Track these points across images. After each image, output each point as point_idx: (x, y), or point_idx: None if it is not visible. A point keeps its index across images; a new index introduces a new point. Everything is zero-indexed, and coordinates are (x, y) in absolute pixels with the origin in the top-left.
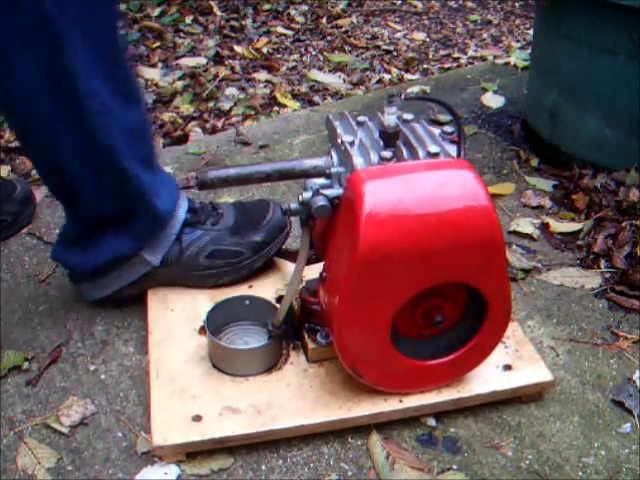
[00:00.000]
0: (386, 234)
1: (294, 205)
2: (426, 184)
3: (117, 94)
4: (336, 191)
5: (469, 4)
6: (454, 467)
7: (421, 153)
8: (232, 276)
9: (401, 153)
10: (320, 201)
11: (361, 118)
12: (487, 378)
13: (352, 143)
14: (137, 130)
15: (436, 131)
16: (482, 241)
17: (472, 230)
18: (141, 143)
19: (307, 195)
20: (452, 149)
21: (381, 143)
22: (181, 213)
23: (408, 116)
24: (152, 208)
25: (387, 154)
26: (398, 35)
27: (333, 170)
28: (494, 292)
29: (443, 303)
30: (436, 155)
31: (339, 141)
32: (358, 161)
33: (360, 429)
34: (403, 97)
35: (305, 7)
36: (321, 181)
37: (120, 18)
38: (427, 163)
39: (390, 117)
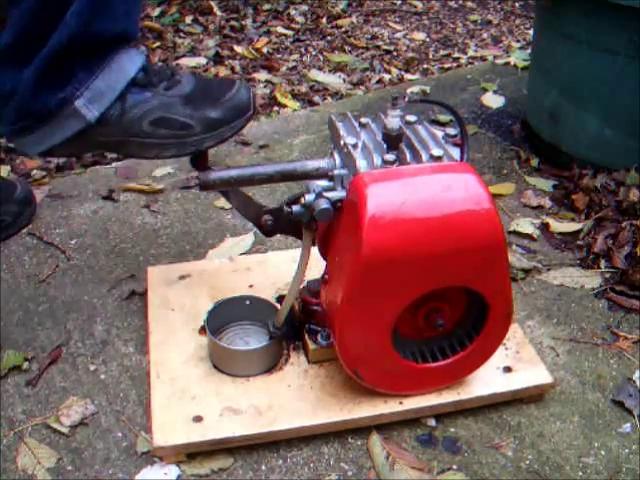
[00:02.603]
0: (389, 237)
1: (296, 208)
2: (429, 187)
3: None
4: (339, 194)
5: (469, 4)
6: (454, 467)
7: (424, 156)
8: (175, 150)
9: (404, 156)
10: (323, 204)
11: (364, 120)
12: (487, 380)
13: (355, 145)
14: None
15: (439, 134)
16: (485, 245)
17: (475, 234)
18: None
19: (310, 198)
20: (455, 152)
21: (384, 146)
22: (132, 69)
23: (411, 118)
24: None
25: (390, 157)
26: (398, 35)
27: (336, 172)
28: (496, 295)
29: (445, 306)
30: (439, 158)
31: (342, 143)
32: (361, 164)
33: (360, 429)
34: (407, 99)
35: (305, 7)
36: (324, 183)
37: None
38: (430, 166)
39: (393, 119)
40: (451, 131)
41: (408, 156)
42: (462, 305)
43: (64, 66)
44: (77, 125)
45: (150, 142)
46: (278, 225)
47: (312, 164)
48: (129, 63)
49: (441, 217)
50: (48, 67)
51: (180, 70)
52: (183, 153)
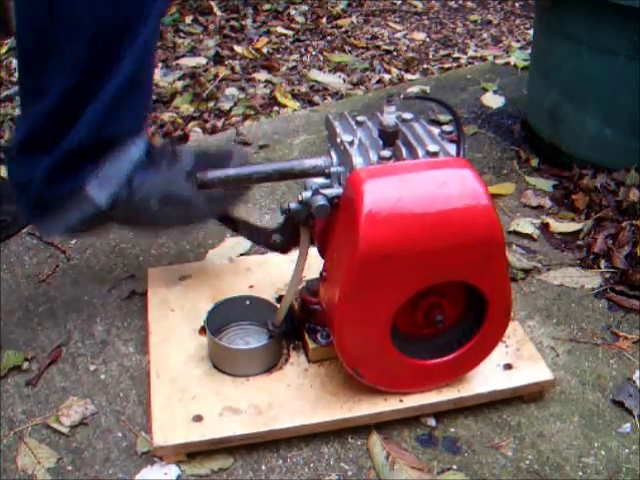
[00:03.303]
0: (386, 233)
1: (294, 205)
2: (425, 183)
3: None
4: (335, 190)
5: (469, 4)
6: (454, 467)
7: (420, 152)
8: (183, 224)
9: (400, 152)
10: (320, 200)
11: (360, 118)
12: (487, 377)
13: (351, 143)
14: None
15: (435, 130)
16: (482, 239)
17: (472, 228)
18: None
19: (307, 195)
20: (451, 148)
21: (380, 143)
22: (135, 153)
23: (407, 116)
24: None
25: (386, 153)
26: (398, 35)
27: (332, 170)
28: (494, 291)
29: (443, 302)
30: (435, 154)
31: (338, 141)
32: (357, 160)
33: (360, 429)
34: (402, 97)
35: (305, 7)
36: (320, 181)
37: None
38: (426, 162)
39: (389, 117)
40: (447, 128)
41: (404, 152)
42: (461, 302)
43: (75, 163)
44: (89, 209)
45: (159, 218)
46: (286, 239)
47: (309, 162)
48: (133, 148)
49: (438, 212)
50: (60, 165)
51: (179, 146)
52: (189, 226)
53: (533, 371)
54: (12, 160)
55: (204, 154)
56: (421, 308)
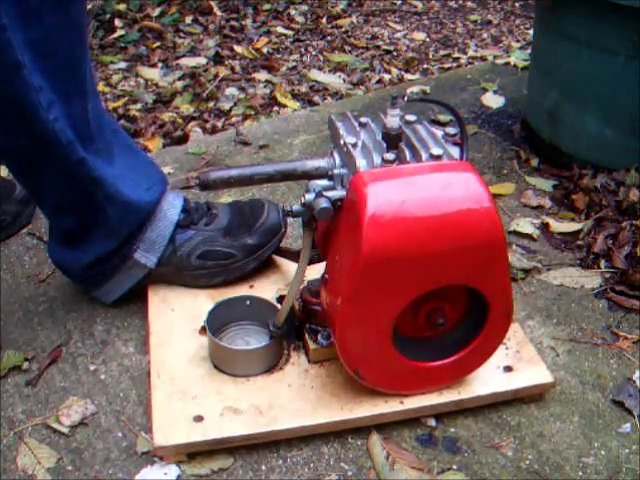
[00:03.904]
0: (389, 236)
1: (296, 207)
2: (429, 186)
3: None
4: (338, 193)
5: (469, 4)
6: (454, 467)
7: (424, 155)
8: (224, 277)
9: (404, 155)
10: (322, 203)
11: (363, 119)
12: (488, 379)
13: (355, 145)
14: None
15: (439, 133)
16: (485, 243)
17: (475, 232)
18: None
19: (309, 197)
20: (455, 151)
21: (384, 145)
22: (174, 214)
23: (411, 117)
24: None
25: (390, 156)
26: (398, 35)
27: (335, 172)
28: (496, 294)
29: (445, 305)
30: (439, 157)
31: (342, 142)
32: (361, 163)
33: (360, 429)
34: (406, 99)
35: (305, 7)
36: (323, 183)
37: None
38: (430, 165)
39: (393, 119)
40: (451, 130)
41: (408, 155)
42: (462, 304)
43: (118, 246)
44: (140, 273)
45: (200, 273)
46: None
47: (312, 163)
48: (171, 209)
49: (441, 216)
50: (102, 254)
51: (213, 203)
52: (230, 278)
53: (533, 373)
54: (51, 243)
55: (239, 209)
56: (422, 311)
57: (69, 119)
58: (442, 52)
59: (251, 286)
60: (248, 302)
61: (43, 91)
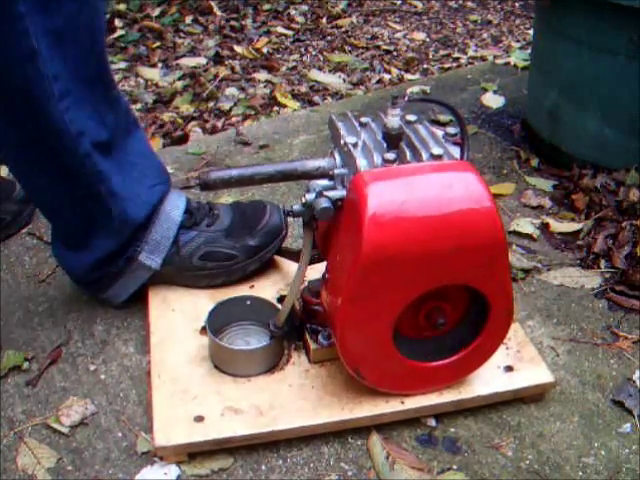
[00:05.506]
0: (389, 236)
1: (297, 207)
2: (429, 186)
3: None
4: (339, 193)
5: (469, 4)
6: (454, 467)
7: (424, 155)
8: (224, 278)
9: (404, 155)
10: (323, 203)
11: (364, 119)
12: (488, 379)
13: (355, 145)
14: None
15: (439, 133)
16: (485, 243)
17: (475, 232)
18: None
19: (310, 197)
20: (455, 151)
21: (384, 145)
22: (177, 215)
23: (411, 117)
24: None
25: (390, 156)
26: (398, 35)
27: (336, 171)
28: (496, 294)
29: (446, 305)
30: (439, 157)
31: (342, 142)
32: (361, 163)
33: (360, 429)
34: (407, 99)
35: (305, 7)
36: (324, 183)
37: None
38: (430, 165)
39: (393, 119)
40: (451, 130)
41: (408, 155)
42: (463, 304)
43: (121, 247)
44: (145, 275)
45: (201, 274)
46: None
47: (312, 163)
48: (174, 209)
49: (441, 215)
50: (105, 255)
51: (215, 204)
52: (231, 279)
53: (534, 373)
54: (55, 246)
55: (241, 210)
56: (423, 311)
57: (85, 106)
58: (442, 52)
59: (252, 286)
60: (249, 302)
61: (59, 80)
